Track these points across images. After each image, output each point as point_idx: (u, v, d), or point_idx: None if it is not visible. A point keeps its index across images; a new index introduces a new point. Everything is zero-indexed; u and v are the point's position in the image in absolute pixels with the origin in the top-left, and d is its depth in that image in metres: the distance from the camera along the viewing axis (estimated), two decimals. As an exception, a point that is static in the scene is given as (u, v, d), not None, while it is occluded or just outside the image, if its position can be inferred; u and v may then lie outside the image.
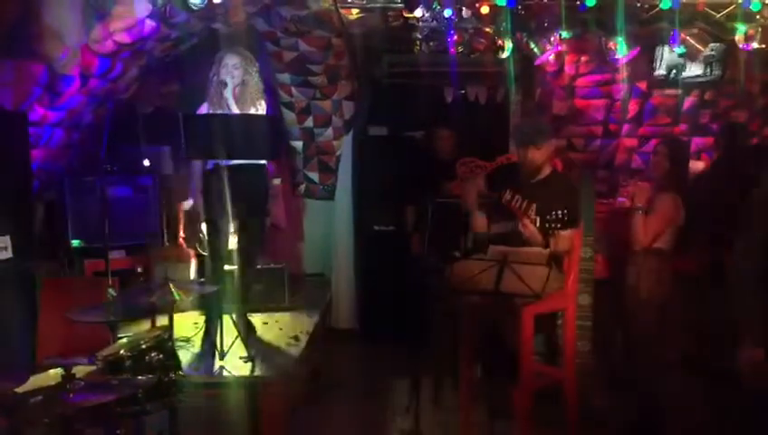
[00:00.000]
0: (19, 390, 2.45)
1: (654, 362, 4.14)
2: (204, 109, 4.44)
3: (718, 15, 5.04)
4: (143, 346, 2.92)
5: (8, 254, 3.79)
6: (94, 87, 4.73)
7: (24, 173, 4.11)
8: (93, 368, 2.85)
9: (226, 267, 4.51)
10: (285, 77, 6.01)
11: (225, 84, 4.31)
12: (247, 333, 4.53)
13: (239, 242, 4.46)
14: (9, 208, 3.85)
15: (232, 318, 4.35)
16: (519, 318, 3.87)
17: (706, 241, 4.07)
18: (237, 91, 4.34)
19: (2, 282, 3.77)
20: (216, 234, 4.44)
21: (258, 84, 4.49)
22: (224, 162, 4.25)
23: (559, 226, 3.74)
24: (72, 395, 2.37)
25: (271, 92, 6.06)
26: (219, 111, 4.35)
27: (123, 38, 4.40)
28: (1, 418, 2.39)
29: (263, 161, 4.51)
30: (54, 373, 2.63)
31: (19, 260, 3.86)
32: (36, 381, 2.64)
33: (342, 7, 5.27)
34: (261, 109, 4.49)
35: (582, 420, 4.18)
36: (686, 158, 4.59)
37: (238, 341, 4.24)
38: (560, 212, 3.74)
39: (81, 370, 2.72)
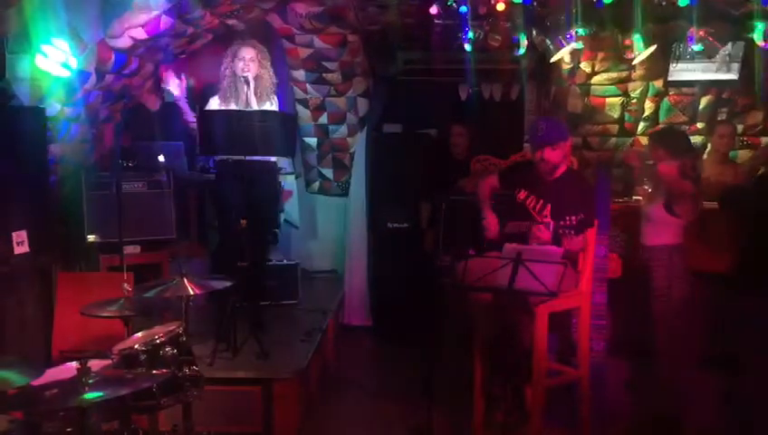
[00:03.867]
0: (35, 383, 2.47)
1: (678, 361, 4.11)
2: (215, 101, 4.43)
3: (737, 13, 4.99)
4: (157, 341, 2.93)
5: (25, 248, 3.82)
6: (110, 83, 4.75)
7: (42, 168, 4.14)
8: (108, 362, 2.86)
9: (240, 263, 4.51)
10: (300, 74, 6.01)
11: (246, 80, 4.31)
12: (260, 329, 4.54)
13: (249, 238, 4.44)
14: (26, 203, 3.88)
15: (246, 314, 4.36)
16: (533, 316, 3.85)
17: (742, 242, 4.05)
18: (253, 85, 4.36)
19: (19, 276, 3.80)
20: (227, 229, 4.45)
21: (272, 78, 4.51)
22: (232, 158, 4.26)
23: (574, 225, 3.72)
24: (87, 389, 2.38)
25: (284, 88, 6.08)
26: (234, 106, 4.36)
27: (140, 34, 4.42)
28: (17, 411, 2.41)
29: (273, 158, 4.51)
30: (70, 367, 2.65)
31: (36, 255, 3.89)
32: (52, 374, 2.65)
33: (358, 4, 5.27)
34: (274, 103, 4.50)
35: (597, 420, 4.16)
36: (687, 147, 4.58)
37: (251, 337, 4.25)
38: (575, 212, 3.72)
39: (96, 364, 2.73)
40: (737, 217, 4.10)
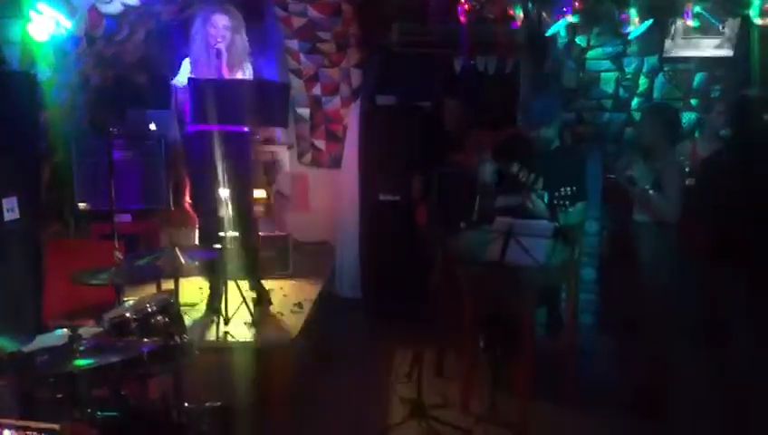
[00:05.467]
0: (26, 349, 2.47)
1: (660, 335, 4.14)
2: (186, 64, 4.29)
3: (733, -11, 4.96)
4: (149, 309, 2.93)
5: (15, 215, 3.79)
6: (101, 49, 4.70)
7: (33, 134, 4.10)
8: (99, 329, 2.86)
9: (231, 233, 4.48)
10: (294, 43, 5.96)
11: (219, 52, 4.14)
12: (260, 300, 4.58)
13: (231, 209, 4.38)
14: (17, 169, 3.85)
15: (236, 284, 4.36)
16: (523, 289, 3.87)
17: (717, 220, 4.04)
18: (225, 56, 4.18)
19: (8, 243, 3.78)
20: (205, 199, 4.38)
21: (245, 46, 4.31)
22: (205, 128, 4.17)
23: (566, 200, 3.73)
24: (77, 355, 2.39)
25: (277, 57, 6.03)
26: (206, 74, 4.21)
27: (131, 0, 4.36)
28: (8, 376, 2.42)
29: (244, 129, 4.39)
30: (60, 334, 2.65)
31: (26, 221, 3.87)
32: (42, 340, 2.66)
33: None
34: (248, 72, 4.35)
35: (585, 393, 4.21)
36: (675, 123, 4.50)
37: (242, 307, 4.27)
38: (568, 187, 3.74)
39: (86, 331, 2.73)
40: (713, 190, 4.10)
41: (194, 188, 4.56)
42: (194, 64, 4.27)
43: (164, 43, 5.63)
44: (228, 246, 4.32)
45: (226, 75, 4.21)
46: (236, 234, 4.39)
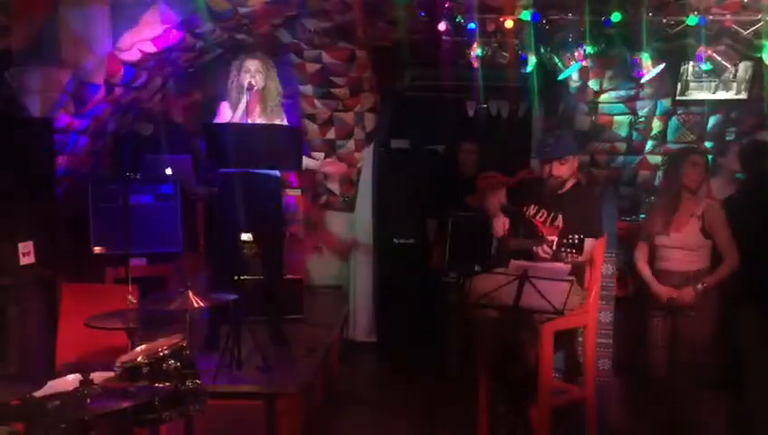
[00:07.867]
0: (37, 394, 2.46)
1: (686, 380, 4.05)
2: (223, 113, 4.43)
3: (746, 32, 4.98)
4: (161, 354, 2.92)
5: (31, 259, 3.82)
6: (119, 95, 4.78)
7: (49, 180, 4.15)
8: (111, 374, 2.85)
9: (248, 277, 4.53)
10: (308, 89, 6.03)
11: (251, 91, 4.29)
12: (285, 343, 4.62)
13: (259, 251, 4.47)
14: (33, 214, 3.89)
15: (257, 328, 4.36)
16: (538, 334, 3.83)
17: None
18: (258, 97, 4.35)
19: (24, 287, 3.80)
20: (232, 241, 4.44)
21: (278, 89, 4.51)
22: (237, 170, 4.26)
23: (576, 244, 3.69)
24: (89, 401, 2.37)
25: (292, 102, 6.10)
26: (240, 117, 4.32)
27: (149, 47, 4.45)
28: (19, 422, 2.40)
29: (276, 172, 4.49)
30: (72, 379, 2.63)
31: (41, 266, 3.89)
32: (54, 386, 2.64)
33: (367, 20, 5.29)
34: (281, 114, 4.51)
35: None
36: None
37: (256, 351, 4.24)
38: (581, 229, 3.70)
39: (98, 376, 2.72)
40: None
41: (221, 229, 4.61)
42: (233, 108, 4.39)
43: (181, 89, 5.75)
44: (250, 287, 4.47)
45: (258, 118, 4.35)
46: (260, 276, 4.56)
